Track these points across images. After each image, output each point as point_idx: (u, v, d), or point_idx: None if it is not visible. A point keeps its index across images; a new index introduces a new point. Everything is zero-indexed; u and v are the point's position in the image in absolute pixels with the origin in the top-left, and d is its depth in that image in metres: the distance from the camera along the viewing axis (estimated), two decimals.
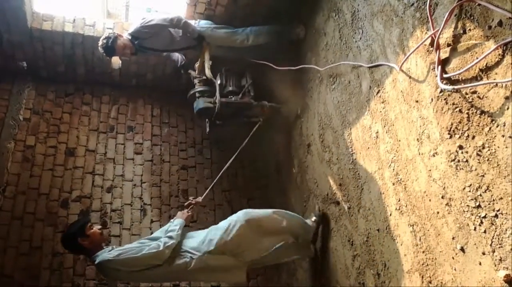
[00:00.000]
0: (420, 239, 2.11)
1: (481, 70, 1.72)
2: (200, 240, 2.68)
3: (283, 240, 2.88)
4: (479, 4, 1.74)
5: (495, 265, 1.63)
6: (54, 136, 4.05)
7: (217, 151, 4.53)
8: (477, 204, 1.73)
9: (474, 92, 1.76)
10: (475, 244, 1.74)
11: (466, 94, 1.81)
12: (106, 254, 2.47)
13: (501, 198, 1.61)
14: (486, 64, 1.69)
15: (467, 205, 1.78)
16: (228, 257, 2.66)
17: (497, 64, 1.64)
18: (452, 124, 1.88)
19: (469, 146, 1.78)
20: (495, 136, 1.65)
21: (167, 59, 4.02)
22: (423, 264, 2.08)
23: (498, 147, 1.63)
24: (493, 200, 1.65)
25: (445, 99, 1.93)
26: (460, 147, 1.83)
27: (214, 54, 3.67)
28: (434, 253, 2.00)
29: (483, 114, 1.71)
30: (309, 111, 3.57)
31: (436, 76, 1.96)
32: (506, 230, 1.58)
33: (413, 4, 2.19)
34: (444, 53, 1.95)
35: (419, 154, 2.12)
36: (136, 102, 4.53)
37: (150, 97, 4.59)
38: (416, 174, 2.15)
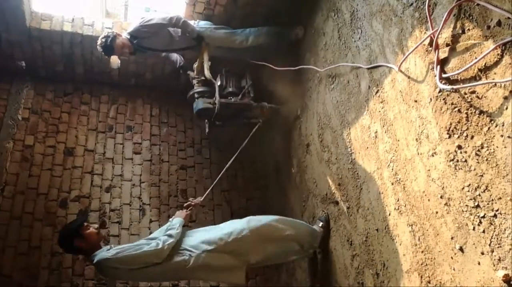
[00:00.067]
0: (419, 239, 2.11)
1: (480, 70, 1.72)
2: (200, 238, 2.67)
3: (287, 247, 2.91)
4: (478, 4, 1.74)
5: (494, 265, 1.63)
6: (53, 136, 4.04)
7: (216, 151, 4.53)
8: (476, 204, 1.73)
9: (473, 92, 1.77)
10: (474, 244, 1.74)
11: (465, 94, 1.81)
12: (105, 252, 2.46)
13: (500, 198, 1.61)
14: (485, 64, 1.69)
15: (466, 205, 1.78)
16: (227, 256, 2.65)
17: (496, 64, 1.64)
18: (451, 124, 1.88)
19: (468, 146, 1.78)
20: (494, 136, 1.65)
21: (166, 60, 4.02)
22: (422, 264, 2.08)
23: (497, 147, 1.63)
24: (492, 200, 1.65)
25: (444, 99, 1.93)
26: (459, 147, 1.83)
27: (213, 55, 3.67)
28: (433, 253, 2.00)
29: (482, 114, 1.71)
30: (308, 111, 3.57)
31: (435, 76, 1.96)
32: (505, 230, 1.58)
33: (412, 4, 2.19)
34: (443, 53, 1.96)
35: (418, 154, 2.12)
36: (135, 101, 4.53)
37: (149, 96, 4.59)
38: (415, 174, 2.15)
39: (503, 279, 1.57)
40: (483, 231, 1.68)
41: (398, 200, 2.30)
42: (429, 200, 2.03)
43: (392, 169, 2.36)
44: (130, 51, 3.46)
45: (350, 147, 2.86)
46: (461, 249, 1.81)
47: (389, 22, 2.40)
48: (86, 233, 2.53)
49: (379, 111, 2.51)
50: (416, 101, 2.15)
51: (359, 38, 2.75)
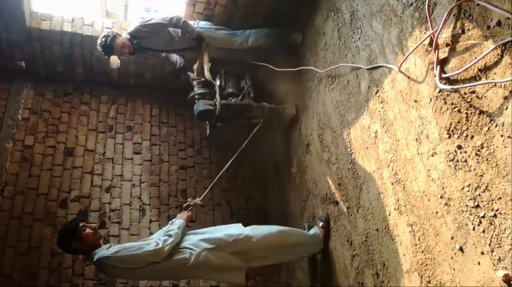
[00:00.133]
0: (419, 239, 2.11)
1: (480, 70, 1.72)
2: (200, 237, 2.68)
3: (289, 254, 2.97)
4: (477, 4, 1.74)
5: (494, 265, 1.63)
6: (53, 136, 4.04)
7: (216, 151, 4.53)
8: (476, 204, 1.73)
9: (473, 92, 1.77)
10: (474, 244, 1.74)
11: (465, 94, 1.81)
12: (105, 251, 2.46)
13: (500, 198, 1.61)
14: (485, 64, 1.69)
15: (466, 205, 1.78)
16: (228, 256, 2.65)
17: (496, 64, 1.64)
18: (451, 124, 1.88)
19: (468, 146, 1.78)
20: (493, 136, 1.65)
21: (166, 60, 4.02)
22: (422, 264, 2.08)
23: (497, 147, 1.63)
24: (492, 200, 1.65)
25: (444, 99, 1.93)
26: (459, 147, 1.83)
27: (213, 56, 3.67)
28: (433, 253, 2.00)
29: (482, 114, 1.71)
30: (308, 111, 3.57)
31: (435, 76, 1.96)
32: (504, 230, 1.58)
33: (412, 4, 2.19)
34: (443, 53, 1.96)
35: (418, 154, 2.12)
36: (135, 101, 4.53)
37: (149, 96, 4.59)
38: (415, 174, 2.15)
39: (503, 279, 1.57)
40: (483, 231, 1.68)
41: (398, 200, 2.30)
42: (429, 200, 2.03)
43: (392, 169, 2.36)
44: (130, 51, 3.45)
45: (350, 147, 2.86)
46: (461, 249, 1.81)
47: (389, 22, 2.40)
48: (83, 234, 2.51)
49: (379, 111, 2.51)
50: (416, 101, 2.15)
51: (359, 38, 2.75)
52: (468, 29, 1.81)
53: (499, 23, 1.63)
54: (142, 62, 4.25)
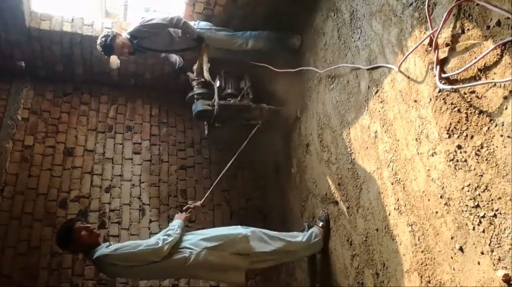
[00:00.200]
0: (419, 239, 2.11)
1: (479, 70, 1.72)
2: (200, 237, 2.68)
3: (290, 257, 3.01)
4: (477, 4, 1.74)
5: (494, 265, 1.63)
6: (53, 136, 4.04)
7: (216, 151, 4.53)
8: (476, 203, 1.73)
9: (473, 92, 1.77)
10: (473, 243, 1.74)
11: (465, 94, 1.81)
12: (104, 249, 2.46)
13: (500, 198, 1.61)
14: (485, 64, 1.69)
15: (466, 205, 1.78)
16: (227, 256, 2.66)
17: (496, 64, 1.64)
18: (450, 123, 1.88)
19: (468, 146, 1.78)
20: (493, 136, 1.65)
21: (165, 61, 4.02)
22: (422, 264, 2.08)
23: (497, 146, 1.63)
24: (492, 199, 1.65)
25: (443, 99, 1.93)
26: (459, 146, 1.83)
27: (213, 56, 3.67)
28: (433, 253, 2.00)
29: (482, 114, 1.71)
30: (308, 111, 3.57)
31: (435, 76, 1.96)
32: (504, 229, 1.58)
33: (411, 4, 2.19)
34: (443, 53, 1.96)
35: (418, 153, 2.12)
36: (134, 101, 4.52)
37: (148, 96, 4.59)
38: (415, 173, 2.15)
39: (503, 279, 1.57)
40: (483, 231, 1.68)
41: (398, 200, 2.30)
42: (429, 200, 2.03)
43: (392, 169, 2.36)
44: (129, 51, 3.45)
45: (349, 147, 2.86)
46: (461, 249, 1.81)
47: (389, 22, 2.40)
48: (79, 236, 2.49)
49: (379, 111, 2.51)
50: (415, 101, 2.15)
51: (359, 38, 2.75)
52: (468, 29, 1.81)
53: (498, 23, 1.63)
54: (142, 62, 4.24)
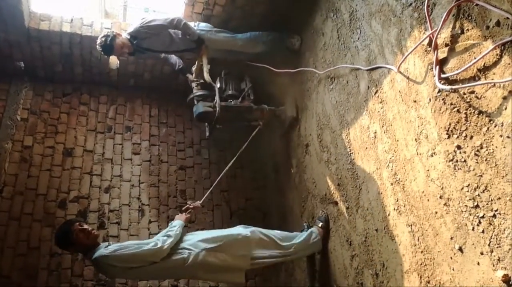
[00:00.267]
0: (418, 239, 2.11)
1: (479, 70, 1.72)
2: (199, 238, 2.68)
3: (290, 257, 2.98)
4: (477, 4, 1.74)
5: (493, 265, 1.63)
6: (52, 137, 4.04)
7: (215, 152, 4.53)
8: (475, 204, 1.73)
9: (472, 92, 1.77)
10: (473, 244, 1.74)
11: (464, 94, 1.81)
12: (103, 249, 2.45)
13: (499, 198, 1.61)
14: (484, 64, 1.69)
15: (465, 205, 1.78)
16: (227, 256, 2.65)
17: (495, 64, 1.64)
18: (450, 124, 1.88)
19: (467, 146, 1.78)
20: (493, 136, 1.65)
21: (165, 61, 4.01)
22: (421, 264, 2.08)
23: (496, 147, 1.63)
24: (491, 200, 1.65)
25: (443, 99, 1.93)
26: (458, 147, 1.83)
27: (213, 56, 3.67)
28: (432, 253, 2.00)
29: (481, 114, 1.71)
30: (307, 112, 3.57)
31: (434, 76, 1.96)
32: (504, 230, 1.58)
33: (411, 4, 2.19)
34: (442, 53, 1.96)
35: (417, 154, 2.12)
36: (134, 102, 4.52)
37: (148, 97, 4.59)
38: (414, 174, 2.15)
39: (502, 279, 1.57)
40: (483, 231, 1.68)
41: (397, 200, 2.30)
42: (428, 200, 2.03)
43: (392, 169, 2.36)
44: (129, 52, 3.45)
45: (349, 147, 2.86)
46: (460, 249, 1.81)
47: (388, 22, 2.40)
48: (76, 237, 2.47)
49: (378, 111, 2.51)
50: (415, 101, 2.15)
51: (358, 38, 2.75)
52: (467, 29, 1.81)
53: (498, 23, 1.63)
54: (141, 63, 4.24)
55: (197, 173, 4.37)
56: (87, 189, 3.92)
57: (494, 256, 1.62)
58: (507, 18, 1.57)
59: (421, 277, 2.08)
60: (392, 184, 2.35)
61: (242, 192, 4.42)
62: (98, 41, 3.36)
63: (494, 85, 1.64)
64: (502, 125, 1.60)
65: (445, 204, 1.91)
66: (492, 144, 1.65)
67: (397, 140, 2.31)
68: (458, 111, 1.84)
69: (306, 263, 3.37)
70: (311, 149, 3.46)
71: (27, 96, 4.13)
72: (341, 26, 3.00)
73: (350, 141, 2.85)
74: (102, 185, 3.98)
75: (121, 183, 4.06)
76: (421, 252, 2.08)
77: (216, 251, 2.62)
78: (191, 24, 3.52)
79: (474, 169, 1.74)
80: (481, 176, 1.70)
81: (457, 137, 1.84)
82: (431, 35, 1.99)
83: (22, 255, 3.49)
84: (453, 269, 1.86)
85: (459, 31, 1.85)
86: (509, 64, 1.57)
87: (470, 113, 1.77)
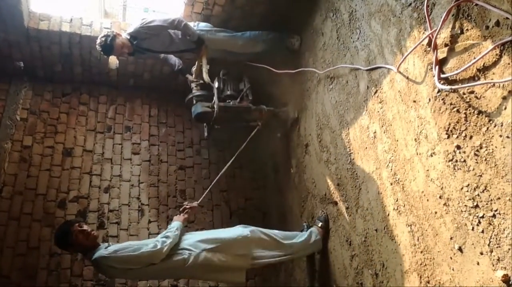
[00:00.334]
0: (418, 239, 2.11)
1: (478, 70, 1.72)
2: (199, 238, 2.68)
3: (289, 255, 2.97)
4: (476, 4, 1.74)
5: (493, 265, 1.63)
6: (51, 136, 4.04)
7: (215, 152, 4.53)
8: (475, 204, 1.73)
9: (472, 92, 1.77)
10: (473, 244, 1.74)
11: (464, 94, 1.81)
12: (103, 250, 2.45)
13: (499, 198, 1.61)
14: (484, 64, 1.69)
15: (465, 205, 1.78)
16: (227, 256, 2.65)
17: (495, 64, 1.64)
18: (449, 124, 1.88)
19: (467, 146, 1.78)
20: (492, 136, 1.65)
21: (164, 62, 4.01)
22: (421, 264, 2.08)
23: (496, 147, 1.63)
24: (491, 200, 1.65)
25: (442, 99, 1.93)
26: (458, 147, 1.83)
27: (212, 56, 3.66)
28: (432, 253, 2.00)
29: (481, 114, 1.71)
30: (307, 111, 3.56)
31: (434, 76, 1.96)
32: (504, 230, 1.58)
33: (410, 4, 2.19)
34: (442, 53, 1.96)
35: (417, 154, 2.12)
36: (133, 102, 4.52)
37: (147, 97, 4.59)
38: (414, 174, 2.15)
39: (502, 279, 1.57)
40: (482, 231, 1.68)
41: (397, 200, 2.30)
42: (428, 200, 2.03)
43: (391, 169, 2.36)
44: (129, 52, 3.45)
45: (349, 147, 2.86)
46: (460, 249, 1.81)
47: (388, 22, 2.40)
48: (75, 238, 2.47)
49: (378, 111, 2.51)
50: (415, 101, 2.15)
51: (358, 38, 2.75)
52: (467, 29, 1.81)
53: (497, 23, 1.63)
54: (141, 63, 4.24)
55: (196, 173, 4.37)
56: (86, 189, 3.91)
57: (494, 256, 1.62)
58: (507, 18, 1.57)
59: (421, 277, 2.08)
60: (391, 184, 2.35)
61: (242, 192, 4.42)
62: (98, 41, 3.35)
63: (494, 85, 1.64)
64: (501, 125, 1.60)
65: (444, 204, 1.91)
66: (492, 144, 1.65)
67: (397, 140, 2.31)
68: (458, 111, 1.84)
69: (306, 263, 3.37)
70: (311, 149, 3.46)
71: (26, 96, 4.13)
72: (341, 26, 3.00)
73: (350, 141, 2.85)
74: (102, 185, 3.98)
75: (121, 183, 4.05)
76: (421, 252, 2.08)
77: (216, 251, 2.62)
78: (191, 24, 3.52)
79: (473, 169, 1.74)
80: (481, 176, 1.70)
81: (457, 137, 1.84)
82: (430, 35, 1.99)
83: (21, 255, 3.49)
84: (452, 269, 1.86)
85: (459, 31, 1.85)
86: (508, 64, 1.58)
87: (470, 113, 1.77)
